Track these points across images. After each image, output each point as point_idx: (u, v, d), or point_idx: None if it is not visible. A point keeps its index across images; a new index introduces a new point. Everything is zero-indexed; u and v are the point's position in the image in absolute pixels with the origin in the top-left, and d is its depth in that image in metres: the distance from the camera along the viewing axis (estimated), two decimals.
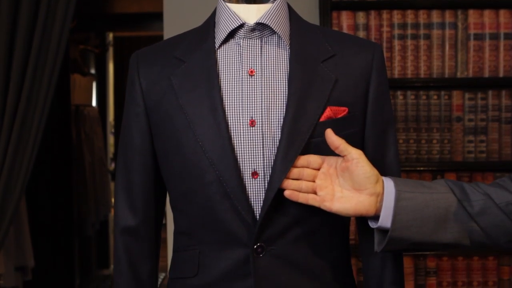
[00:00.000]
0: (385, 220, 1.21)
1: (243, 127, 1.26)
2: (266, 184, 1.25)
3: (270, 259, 1.26)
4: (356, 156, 1.21)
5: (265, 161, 1.26)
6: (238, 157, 1.26)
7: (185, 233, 1.34)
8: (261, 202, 1.25)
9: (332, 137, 1.21)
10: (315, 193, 1.23)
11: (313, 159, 1.23)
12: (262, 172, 1.26)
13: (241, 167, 1.26)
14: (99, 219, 4.94)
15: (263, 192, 1.26)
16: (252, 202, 1.26)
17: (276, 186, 1.23)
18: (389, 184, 1.22)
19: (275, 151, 1.25)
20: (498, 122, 2.48)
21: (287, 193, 1.21)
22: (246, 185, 1.26)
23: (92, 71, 5.81)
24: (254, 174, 1.26)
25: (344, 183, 1.23)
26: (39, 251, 3.81)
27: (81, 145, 4.71)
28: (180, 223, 1.36)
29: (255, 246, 1.25)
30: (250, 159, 1.26)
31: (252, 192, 1.26)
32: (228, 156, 1.25)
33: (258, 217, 1.25)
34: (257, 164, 1.26)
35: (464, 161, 2.48)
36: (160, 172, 1.36)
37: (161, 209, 1.42)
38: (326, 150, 1.24)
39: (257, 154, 1.26)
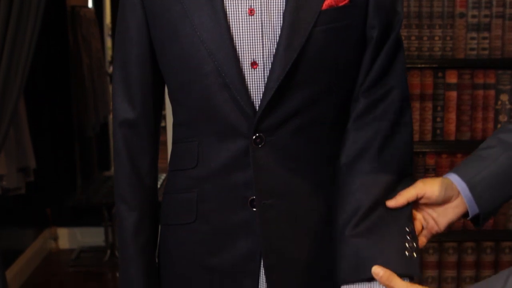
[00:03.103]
0: (473, 209, 1.27)
1: (241, 16, 1.23)
2: (265, 74, 1.23)
3: (270, 149, 1.25)
4: (422, 190, 1.26)
5: (265, 51, 1.23)
6: (237, 46, 1.23)
7: (184, 124, 1.34)
8: (261, 92, 1.24)
9: (396, 203, 1.25)
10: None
11: (409, 194, 1.27)
12: (262, 62, 1.24)
13: (240, 57, 1.23)
14: (99, 121, 4.94)
15: (263, 82, 1.24)
16: (252, 93, 1.24)
17: (278, 76, 1.21)
18: (456, 179, 1.27)
19: (275, 41, 1.22)
20: (502, 18, 2.43)
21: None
22: (246, 75, 1.24)
23: None
24: (254, 64, 1.24)
25: (431, 207, 1.30)
26: (40, 153, 3.84)
27: (78, 47, 4.65)
28: (179, 114, 1.35)
29: (254, 137, 1.24)
30: (249, 49, 1.23)
31: (251, 83, 1.24)
32: (226, 45, 1.22)
33: (257, 108, 1.24)
34: (257, 54, 1.23)
35: (466, 58, 2.45)
36: (158, 64, 1.34)
37: (159, 102, 1.41)
38: (329, 39, 1.22)
39: (256, 43, 1.23)
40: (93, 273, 4.10)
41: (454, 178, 1.27)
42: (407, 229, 1.21)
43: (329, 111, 1.29)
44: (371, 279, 1.17)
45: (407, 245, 1.19)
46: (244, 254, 1.30)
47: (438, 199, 1.26)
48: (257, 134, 1.24)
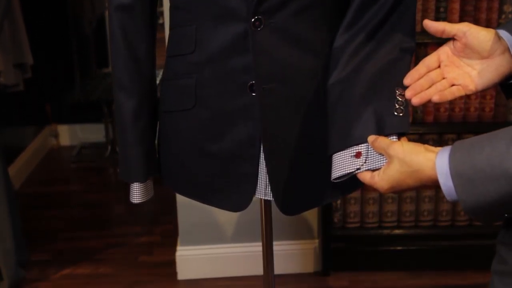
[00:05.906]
0: None
1: None
2: None
3: (269, 33, 1.23)
4: (465, 28, 1.10)
5: None
6: None
7: (181, 8, 1.30)
8: None
9: (432, 24, 1.10)
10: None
11: (429, 60, 1.13)
12: None
13: None
14: (96, 16, 4.85)
15: None
16: None
17: None
18: (505, 34, 1.10)
19: None
20: None
21: (434, 99, 1.10)
22: None
23: None
24: None
25: (471, 60, 1.12)
26: (37, 50, 3.78)
27: None
28: None
29: (253, 20, 1.21)
30: None
31: None
32: None
33: None
34: None
35: None
36: None
37: None
38: None
39: None
40: (95, 168, 4.14)
41: (502, 33, 1.11)
42: (398, 91, 1.16)
43: None
44: (359, 142, 1.14)
45: (396, 104, 1.16)
46: (243, 139, 1.30)
47: (481, 48, 1.11)
48: (256, 17, 1.21)
